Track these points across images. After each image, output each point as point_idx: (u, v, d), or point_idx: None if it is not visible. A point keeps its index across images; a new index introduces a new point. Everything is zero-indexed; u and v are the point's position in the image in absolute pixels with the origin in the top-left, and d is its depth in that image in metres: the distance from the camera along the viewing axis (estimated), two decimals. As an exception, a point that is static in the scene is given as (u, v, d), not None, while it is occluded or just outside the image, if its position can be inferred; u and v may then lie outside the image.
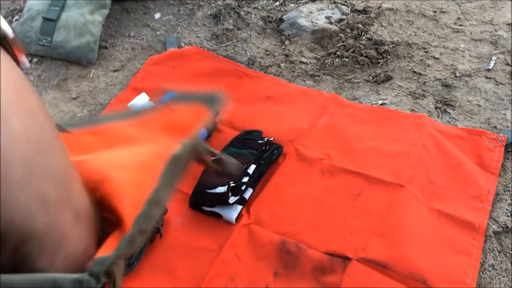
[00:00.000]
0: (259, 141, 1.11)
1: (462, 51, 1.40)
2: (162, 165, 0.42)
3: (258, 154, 1.08)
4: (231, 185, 0.99)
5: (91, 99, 1.33)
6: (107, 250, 0.35)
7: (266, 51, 1.44)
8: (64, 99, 1.34)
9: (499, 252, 0.93)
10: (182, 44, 1.47)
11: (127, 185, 0.39)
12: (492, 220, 0.98)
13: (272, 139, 1.13)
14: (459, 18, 1.51)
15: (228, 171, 0.56)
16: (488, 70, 1.32)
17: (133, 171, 0.41)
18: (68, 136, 0.46)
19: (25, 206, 0.31)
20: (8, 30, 0.39)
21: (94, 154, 0.43)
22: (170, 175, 0.39)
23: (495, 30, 1.44)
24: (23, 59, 0.41)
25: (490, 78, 1.30)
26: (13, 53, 0.41)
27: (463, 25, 1.48)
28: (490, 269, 0.91)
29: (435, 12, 1.53)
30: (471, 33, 1.45)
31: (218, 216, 1.00)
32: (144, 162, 0.42)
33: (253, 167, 1.05)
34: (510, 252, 0.93)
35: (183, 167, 0.44)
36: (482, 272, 0.90)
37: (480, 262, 0.91)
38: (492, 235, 0.96)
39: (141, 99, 1.19)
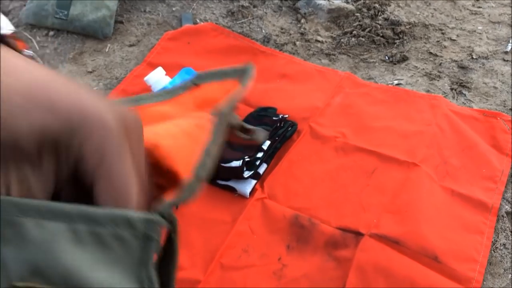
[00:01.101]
0: (273, 118, 1.12)
1: (480, 33, 1.39)
2: (204, 133, 0.44)
3: (273, 130, 1.09)
4: (246, 159, 1.00)
5: (107, 73, 1.34)
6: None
7: (282, 29, 1.43)
8: (80, 73, 1.35)
9: (511, 231, 0.94)
10: (198, 21, 1.47)
11: (177, 149, 0.42)
12: (505, 200, 0.99)
13: (287, 116, 1.14)
14: (477, 0, 1.49)
15: (254, 139, 0.56)
16: (506, 52, 1.31)
17: (180, 139, 0.43)
18: None
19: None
20: (8, 27, 0.40)
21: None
22: (218, 129, 0.41)
23: (514, 13, 1.43)
24: (25, 53, 0.42)
25: (507, 60, 1.29)
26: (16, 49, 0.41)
27: (481, 7, 1.47)
28: (501, 248, 0.91)
29: (453, -7, 1.51)
30: (489, 15, 1.44)
31: (233, 190, 1.02)
32: (188, 132, 0.45)
33: (267, 143, 1.06)
34: (522, 232, 0.94)
35: (227, 123, 0.46)
36: (494, 251, 0.91)
37: (492, 241, 0.92)
38: (505, 215, 0.96)
39: (157, 73, 1.20)
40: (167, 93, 0.52)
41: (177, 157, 0.41)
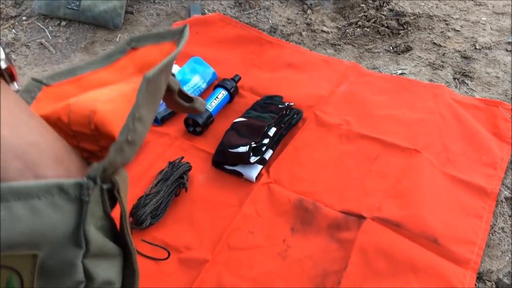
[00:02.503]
0: (279, 106, 1.15)
1: (483, 24, 1.41)
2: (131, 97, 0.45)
3: (279, 117, 1.12)
4: (252, 145, 1.04)
5: (117, 62, 1.38)
6: None
7: (288, 19, 1.46)
8: (92, 62, 1.39)
9: (510, 216, 0.96)
10: (206, 11, 1.50)
11: (115, 113, 0.43)
12: (504, 186, 1.01)
13: (292, 104, 1.17)
14: (482, -9, 1.51)
15: (194, 107, 0.57)
16: (509, 43, 1.33)
17: (119, 103, 0.44)
18: (48, 89, 0.49)
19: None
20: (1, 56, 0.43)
21: (77, 97, 0.46)
22: (145, 93, 0.42)
23: (518, 4, 1.44)
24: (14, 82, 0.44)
25: (509, 51, 1.31)
26: (8, 74, 0.44)
27: (485, -2, 1.49)
28: (499, 231, 0.94)
29: (458, -16, 1.53)
30: (493, 6, 1.45)
31: (239, 175, 1.05)
32: (126, 95, 0.46)
33: (273, 129, 1.09)
34: (520, 216, 0.97)
35: (158, 87, 0.47)
36: (492, 234, 0.94)
37: (491, 225, 0.95)
38: (504, 200, 0.99)
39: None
40: (104, 59, 0.52)
41: (114, 120, 0.42)
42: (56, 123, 0.44)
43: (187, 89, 1.22)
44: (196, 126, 1.14)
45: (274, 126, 1.10)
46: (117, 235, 0.45)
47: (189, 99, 0.57)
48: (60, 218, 0.37)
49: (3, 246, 0.35)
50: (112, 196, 0.42)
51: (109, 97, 0.46)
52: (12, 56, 1.42)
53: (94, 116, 0.43)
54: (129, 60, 0.54)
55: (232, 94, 1.22)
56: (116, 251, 0.44)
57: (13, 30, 1.46)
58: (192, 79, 1.23)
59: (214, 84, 1.24)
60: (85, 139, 0.44)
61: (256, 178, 1.04)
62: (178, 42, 0.53)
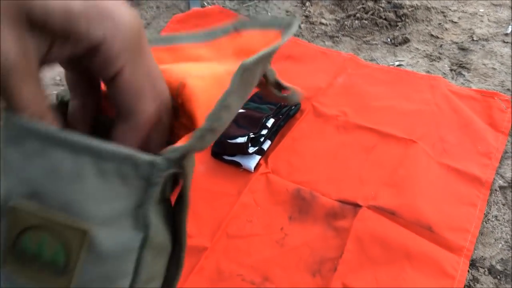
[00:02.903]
0: (278, 97, 1.16)
1: (481, 15, 1.42)
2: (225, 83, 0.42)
3: (277, 109, 1.14)
4: (251, 136, 1.05)
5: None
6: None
7: (287, 12, 1.47)
8: (93, 55, 1.40)
9: (503, 204, 0.98)
10: (205, 4, 1.51)
11: (203, 93, 0.39)
12: (498, 175, 1.03)
13: (290, 95, 1.18)
14: (480, -17, 1.51)
15: (287, 98, 0.54)
16: (506, 34, 1.34)
17: (208, 82, 0.40)
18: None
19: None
20: None
21: (171, 65, 0.43)
22: (239, 82, 0.39)
23: (516, -4, 1.45)
24: None
25: (507, 42, 1.32)
26: None
27: (483, -10, 1.49)
28: (493, 219, 0.96)
29: (456, -24, 1.54)
30: (491, -2, 1.46)
31: (238, 165, 1.07)
32: (218, 77, 0.41)
33: (271, 120, 1.11)
34: (514, 205, 0.98)
35: (253, 77, 0.43)
36: (485, 222, 0.96)
37: (484, 213, 0.97)
38: (498, 189, 1.00)
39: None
40: (205, 35, 0.50)
41: (200, 100, 0.39)
42: None
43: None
44: (196, 117, 1.16)
45: (272, 117, 1.12)
46: (169, 225, 0.40)
47: (284, 89, 0.53)
48: (125, 191, 0.33)
49: (59, 205, 0.33)
50: (174, 181, 0.38)
51: (201, 74, 0.42)
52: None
53: (183, 90, 0.40)
54: (230, 41, 0.51)
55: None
56: (168, 242, 0.39)
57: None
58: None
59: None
60: None
61: (255, 168, 1.06)
62: (284, 32, 0.50)
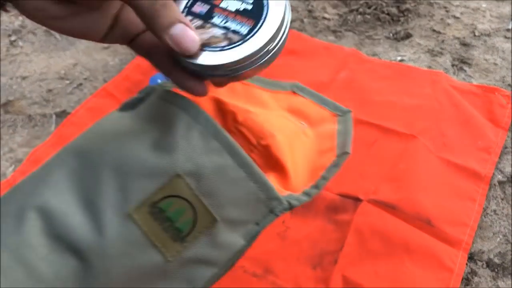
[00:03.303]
0: (280, 92, 1.18)
1: (483, 10, 1.42)
2: (300, 143, 0.54)
3: (279, 103, 1.15)
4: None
5: (122, 49, 1.40)
6: (278, 188, 0.46)
7: (290, 6, 1.47)
8: (97, 48, 1.41)
9: (502, 199, 0.99)
10: None
11: (285, 145, 0.50)
12: (498, 170, 1.04)
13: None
14: (483, -22, 1.51)
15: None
16: (507, 30, 1.35)
17: (286, 139, 0.50)
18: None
19: None
20: None
21: (252, 107, 0.51)
22: (337, 166, 0.53)
23: (518, -9, 1.45)
24: None
25: (508, 38, 1.33)
26: None
27: (486, -15, 1.49)
28: (492, 214, 0.97)
29: (459, -29, 1.54)
30: (493, -7, 1.46)
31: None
32: (290, 135, 0.53)
33: (274, 115, 1.12)
34: (513, 200, 1.00)
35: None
36: (484, 216, 0.97)
37: (483, 208, 0.98)
38: (497, 184, 1.02)
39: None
40: (271, 84, 0.61)
41: (285, 151, 0.48)
42: (226, 112, 0.49)
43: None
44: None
45: (275, 112, 1.13)
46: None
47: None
48: (253, 210, 0.44)
49: (208, 192, 0.42)
50: None
51: (282, 128, 0.52)
52: (19, 43, 1.45)
53: (271, 138, 0.49)
54: (286, 98, 0.61)
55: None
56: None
57: (19, 17, 1.49)
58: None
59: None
60: (239, 139, 0.49)
61: (257, 162, 1.08)
62: (339, 122, 0.64)
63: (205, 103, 0.48)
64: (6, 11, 0.40)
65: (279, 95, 0.60)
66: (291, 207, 0.45)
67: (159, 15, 0.36)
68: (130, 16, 0.44)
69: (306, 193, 0.49)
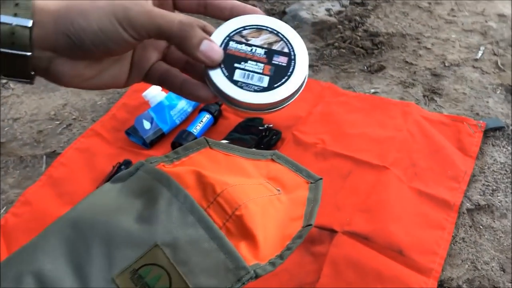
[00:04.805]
0: (259, 128, 1.24)
1: (453, 41, 1.49)
2: (274, 211, 0.57)
3: (259, 139, 1.21)
4: (233, 167, 1.12)
5: (110, 89, 1.47)
6: (247, 257, 0.50)
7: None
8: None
9: (470, 227, 1.05)
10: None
11: (258, 215, 0.55)
12: (466, 198, 1.10)
13: (271, 125, 1.26)
14: (452, 9, 1.59)
15: None
16: (476, 60, 1.42)
17: (260, 208, 0.55)
18: (209, 150, 0.63)
19: None
20: None
21: (231, 177, 0.57)
22: (301, 238, 0.56)
23: (486, 21, 1.53)
24: None
25: (476, 67, 1.40)
26: None
27: (456, 16, 1.57)
28: (460, 241, 1.03)
29: (430, 3, 1.62)
30: (462, 24, 1.54)
31: (222, 194, 1.14)
32: (264, 204, 0.58)
33: (253, 151, 1.18)
34: (480, 227, 1.05)
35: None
36: (453, 244, 1.02)
37: (452, 236, 1.03)
38: (465, 211, 1.07)
39: (154, 89, 1.32)
40: (251, 153, 0.66)
41: (257, 222, 0.53)
42: (206, 184, 0.54)
43: (174, 113, 1.31)
44: (182, 149, 1.23)
45: (255, 147, 1.19)
46: None
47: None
48: (223, 277, 0.48)
49: (182, 261, 0.47)
50: None
51: (255, 199, 0.56)
52: (11, 85, 1.51)
53: (244, 209, 0.53)
54: (266, 166, 0.67)
55: (216, 117, 1.31)
56: None
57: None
58: (179, 103, 1.32)
59: (200, 108, 1.33)
60: (217, 210, 0.53)
61: (238, 197, 1.13)
62: (310, 189, 0.68)
63: (187, 176, 0.54)
64: (32, 83, 0.47)
65: (260, 162, 0.67)
66: (257, 276, 0.50)
67: (190, 36, 0.43)
68: (140, 55, 0.50)
69: (271, 263, 0.53)
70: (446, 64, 1.42)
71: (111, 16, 0.41)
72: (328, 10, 1.60)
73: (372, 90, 1.37)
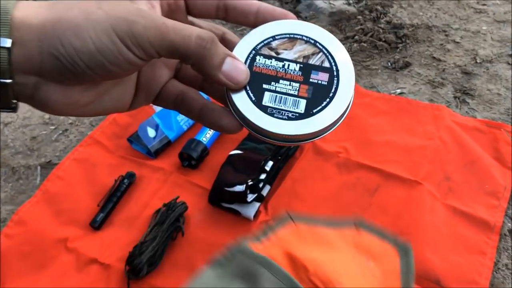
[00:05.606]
0: (276, 135, 1.12)
1: (484, 34, 1.36)
2: (367, 283, 0.59)
3: (276, 149, 1.09)
4: (249, 183, 1.01)
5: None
6: None
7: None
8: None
9: (513, 251, 0.95)
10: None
11: None
12: (507, 218, 0.99)
13: (289, 132, 1.14)
14: (482, -3, 1.46)
15: None
16: (510, 55, 1.29)
17: (353, 280, 0.57)
18: (293, 225, 0.67)
19: None
20: None
21: (318, 252, 0.60)
22: None
23: (520, 11, 1.40)
24: None
25: (511, 64, 1.27)
26: None
27: (486, 5, 1.44)
28: (503, 268, 0.93)
29: (457, -10, 1.48)
30: (494, 14, 1.41)
31: (237, 213, 1.03)
32: (356, 279, 0.58)
33: (270, 163, 1.07)
34: (524, 251, 0.95)
35: None
36: (496, 272, 0.92)
37: (494, 262, 0.93)
38: (507, 233, 0.97)
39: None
40: (334, 223, 0.69)
41: None
42: (298, 264, 0.58)
43: (181, 118, 1.19)
44: (191, 160, 1.12)
45: (271, 160, 1.08)
46: None
47: None
48: None
49: None
50: None
51: (346, 273, 0.58)
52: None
53: (336, 285, 0.55)
54: (351, 235, 0.66)
55: (227, 123, 1.19)
56: None
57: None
58: (185, 107, 1.20)
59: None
60: (311, 287, 0.57)
61: (254, 216, 1.02)
62: (401, 256, 0.68)
63: (280, 258, 0.59)
64: (15, 111, 0.37)
65: (344, 232, 0.69)
66: None
67: (211, 55, 0.35)
68: (148, 73, 0.41)
69: None
70: (478, 61, 1.29)
71: (111, 32, 0.32)
72: (346, -2, 1.47)
73: (398, 91, 1.25)
